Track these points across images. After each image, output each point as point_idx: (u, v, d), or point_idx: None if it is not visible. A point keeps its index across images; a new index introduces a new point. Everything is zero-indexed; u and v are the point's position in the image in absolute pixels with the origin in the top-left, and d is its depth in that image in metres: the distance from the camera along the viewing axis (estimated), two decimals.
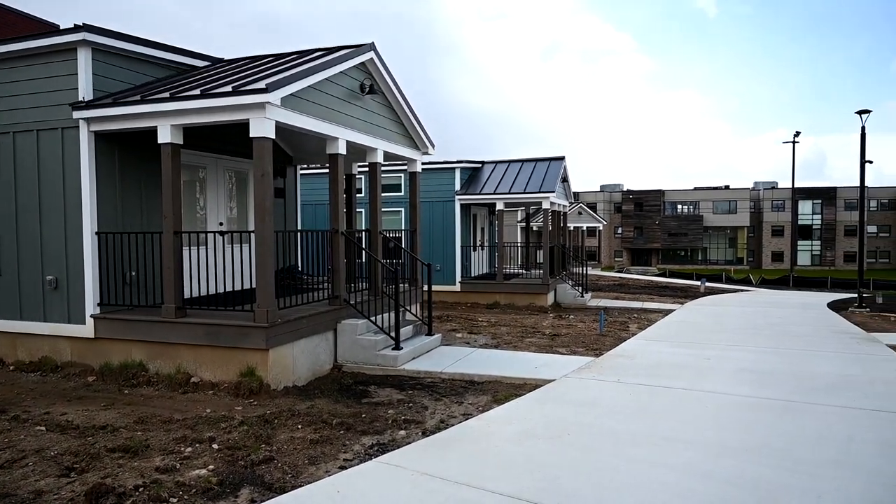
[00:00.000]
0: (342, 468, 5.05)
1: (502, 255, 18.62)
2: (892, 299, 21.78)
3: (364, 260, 10.49)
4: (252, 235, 7.70)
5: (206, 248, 8.34)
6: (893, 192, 71.92)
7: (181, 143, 7.86)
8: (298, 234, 10.75)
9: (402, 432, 6.03)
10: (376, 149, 10.08)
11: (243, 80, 7.81)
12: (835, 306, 17.99)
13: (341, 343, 8.96)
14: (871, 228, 70.78)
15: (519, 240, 33.32)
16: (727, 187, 75.23)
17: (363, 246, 10.38)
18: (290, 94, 7.57)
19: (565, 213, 22.86)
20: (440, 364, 8.90)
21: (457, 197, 18.17)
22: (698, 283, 27.67)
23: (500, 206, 18.19)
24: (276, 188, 9.31)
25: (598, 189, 79.25)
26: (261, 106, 7.17)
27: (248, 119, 7.27)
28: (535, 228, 33.22)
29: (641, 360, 9.25)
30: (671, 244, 73.86)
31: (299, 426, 6.14)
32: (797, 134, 39.06)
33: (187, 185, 9.75)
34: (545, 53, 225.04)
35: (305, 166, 16.74)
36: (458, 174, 18.33)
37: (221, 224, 10.45)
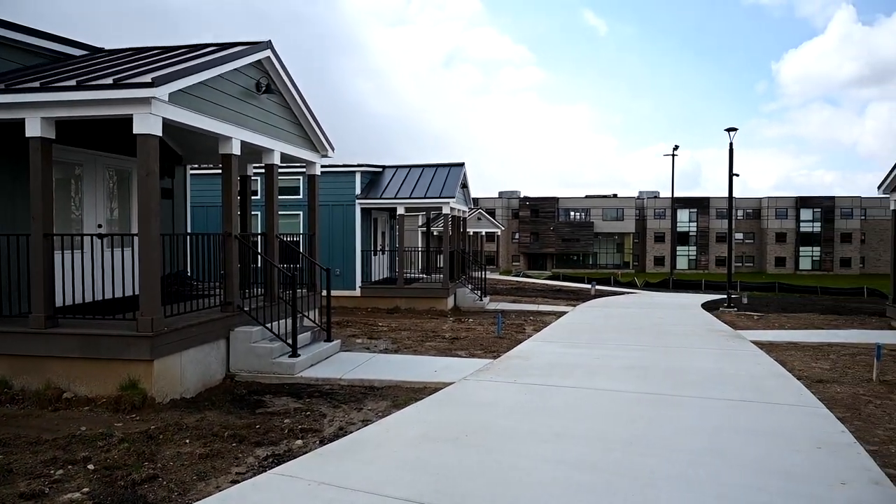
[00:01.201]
0: (234, 482, 4.84)
1: (403, 259, 18.66)
2: (755, 299, 24.07)
3: (260, 265, 10.12)
4: (136, 238, 7.20)
5: (84, 253, 7.70)
6: (756, 203, 79.55)
7: (53, 137, 7.21)
8: (188, 237, 10.19)
9: (299, 442, 5.88)
10: (273, 150, 9.78)
11: (127, 72, 7.31)
12: (708, 306, 19.59)
13: (235, 351, 8.59)
14: (738, 235, 77.83)
15: (420, 244, 33.53)
16: (615, 196, 79.92)
17: (259, 250, 10.01)
18: (180, 90, 7.17)
19: (465, 219, 23.29)
20: (339, 370, 8.76)
21: (357, 201, 18.00)
22: (589, 286, 29.15)
23: (401, 210, 18.23)
24: (163, 188, 8.77)
25: (497, 195, 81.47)
26: (146, 101, 6.73)
27: (132, 114, 6.80)
28: (435, 233, 33.56)
29: (536, 361, 9.60)
30: (565, 249, 77.33)
31: (187, 441, 5.81)
32: (676, 148, 42.29)
33: (61, 184, 8.96)
34: (447, 61, 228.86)
35: (197, 166, 15.92)
36: (358, 178, 18.18)
37: (101, 226, 9.69)
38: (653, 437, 5.94)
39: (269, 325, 8.80)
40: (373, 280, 18.87)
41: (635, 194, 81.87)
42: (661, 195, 79.45)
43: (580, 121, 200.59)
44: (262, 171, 10.31)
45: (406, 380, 8.30)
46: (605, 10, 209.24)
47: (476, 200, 68.45)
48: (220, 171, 9.00)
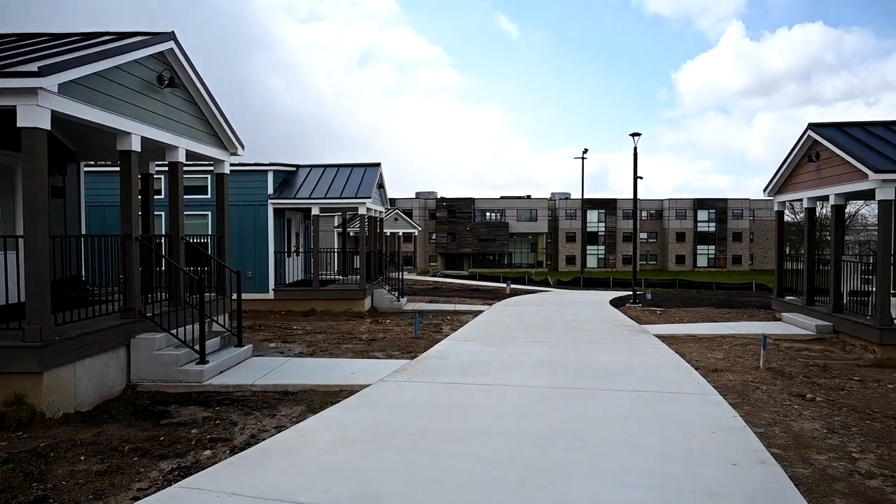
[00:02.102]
0: (135, 499, 4.55)
1: (318, 261, 18.30)
2: (658, 295, 25.48)
3: (164, 268, 9.59)
4: (21, 241, 6.63)
5: None
6: (659, 205, 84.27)
7: None
8: (83, 239, 9.49)
9: (208, 452, 5.62)
10: (177, 147, 9.30)
11: (10, 59, 6.71)
12: (615, 303, 20.55)
13: (137, 360, 8.09)
14: (643, 235, 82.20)
15: (336, 245, 33.01)
16: (529, 197, 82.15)
17: (162, 252, 9.49)
18: (72, 81, 6.67)
19: (382, 219, 23.16)
20: (251, 376, 8.46)
21: (270, 201, 17.47)
22: (505, 285, 29.79)
23: (315, 210, 17.86)
24: (53, 187, 8.13)
25: (414, 196, 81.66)
26: (32, 91, 6.21)
27: (15, 106, 6.26)
28: (352, 234, 33.15)
29: (453, 360, 9.69)
30: (481, 249, 78.66)
31: (82, 457, 5.41)
32: (585, 151, 44.09)
33: None
34: (362, 60, 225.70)
35: (93, 163, 14.87)
36: (271, 177, 17.63)
37: None
38: (565, 430, 6.15)
39: (174, 332, 8.36)
40: (287, 282, 18.38)
41: (548, 196, 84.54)
42: (572, 196, 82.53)
43: (495, 123, 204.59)
44: (167, 168, 9.79)
45: (322, 383, 8.14)
46: (517, 15, 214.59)
47: (393, 201, 68.30)
48: (118, 168, 8.45)
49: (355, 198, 17.54)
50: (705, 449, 5.56)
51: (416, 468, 5.08)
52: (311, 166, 19.55)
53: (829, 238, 14.58)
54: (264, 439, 5.90)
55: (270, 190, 17.56)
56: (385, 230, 33.85)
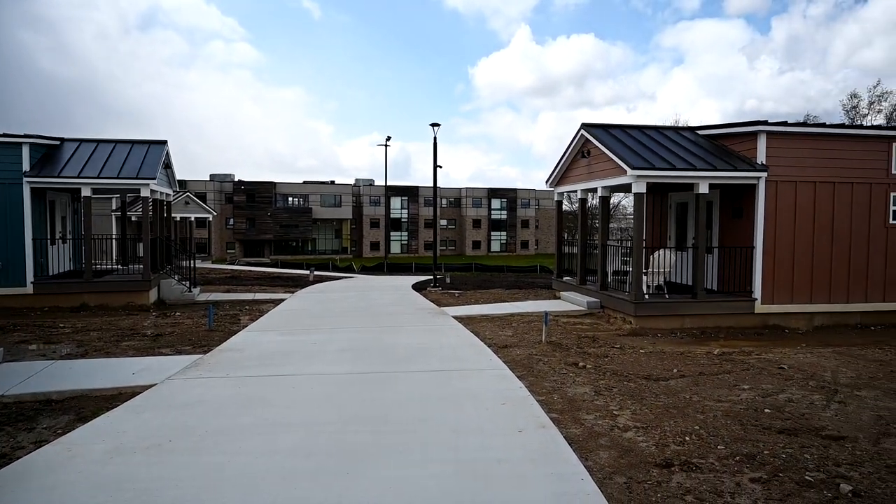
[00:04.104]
0: None
1: (91, 249, 16.09)
2: (456, 279, 26.95)
3: None
4: None
5: None
6: (457, 193, 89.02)
7: None
8: None
9: None
10: None
11: None
12: (417, 287, 21.27)
13: None
14: (443, 222, 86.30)
15: (114, 231, 29.41)
16: (333, 182, 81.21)
17: None
18: None
19: (170, 203, 21.12)
20: (1, 386, 7.17)
21: (26, 179, 14.88)
22: (308, 272, 29.16)
23: (87, 192, 15.63)
24: None
25: (209, 178, 75.91)
26: None
27: None
28: (134, 219, 29.80)
29: (252, 352, 9.23)
30: (283, 235, 75.95)
31: None
32: (388, 139, 44.80)
33: None
34: (143, 24, 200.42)
35: None
36: (26, 152, 15.00)
37: None
38: (367, 414, 6.20)
39: None
40: (51, 274, 15.89)
41: (352, 181, 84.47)
42: (376, 183, 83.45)
43: (296, 105, 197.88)
44: None
45: (95, 387, 7.19)
46: None
47: (184, 183, 62.82)
48: None
49: (136, 178, 15.70)
50: (496, 420, 6.01)
51: (208, 470, 4.74)
52: (81, 140, 17.06)
53: (598, 225, 16.63)
54: (20, 457, 5.05)
55: (26, 166, 14.96)
56: (174, 215, 31.06)
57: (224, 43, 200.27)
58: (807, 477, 4.88)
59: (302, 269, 35.70)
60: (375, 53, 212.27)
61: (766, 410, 6.68)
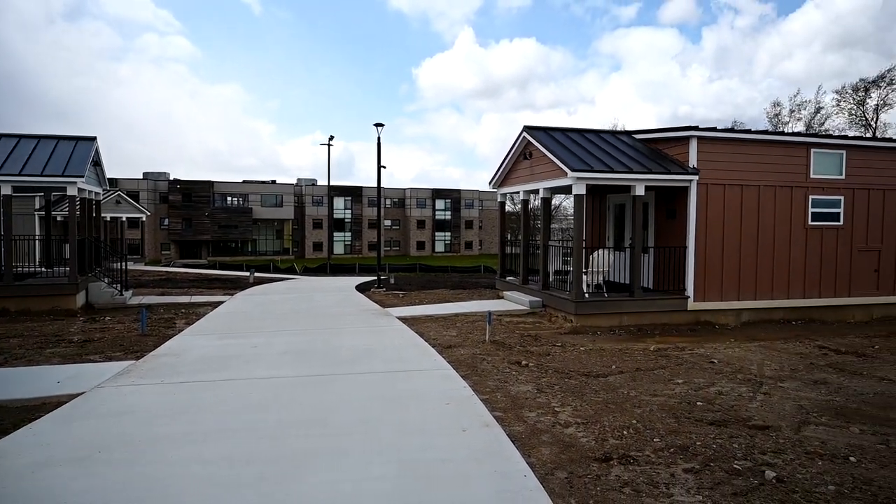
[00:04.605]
0: None
1: (11, 250, 15.16)
2: (401, 279, 26.87)
3: None
4: None
5: None
6: (401, 193, 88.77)
7: None
8: None
9: None
10: None
11: None
12: (361, 288, 21.08)
13: None
14: (387, 222, 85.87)
15: (38, 232, 27.81)
16: (274, 182, 79.41)
17: None
18: None
19: (99, 202, 20.15)
20: None
21: None
22: (248, 273, 28.42)
23: (6, 190, 14.72)
24: None
25: (142, 177, 72.82)
26: None
27: None
28: (59, 219, 28.27)
29: (188, 357, 8.92)
30: (222, 236, 73.71)
31: None
32: (331, 138, 44.19)
33: None
34: (70, 14, 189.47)
35: None
36: None
37: None
38: (309, 418, 6.10)
39: None
40: None
41: (294, 181, 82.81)
42: (319, 183, 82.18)
43: (235, 102, 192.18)
44: None
45: (16, 397, 6.78)
46: None
47: (115, 182, 60.10)
48: None
49: (63, 176, 14.90)
50: (440, 420, 6.03)
51: (142, 482, 4.55)
52: (1, 135, 16.07)
53: (540, 226, 16.93)
54: None
55: None
56: (105, 215, 29.70)
57: (158, 36, 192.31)
58: (735, 465, 5.12)
59: (242, 270, 34.80)
60: (318, 51, 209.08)
61: (699, 403, 6.97)
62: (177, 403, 6.56)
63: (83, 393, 6.91)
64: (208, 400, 6.72)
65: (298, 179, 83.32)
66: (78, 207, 15.65)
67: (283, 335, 10.87)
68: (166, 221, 71.69)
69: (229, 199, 75.49)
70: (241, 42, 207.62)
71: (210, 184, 73.93)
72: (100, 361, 8.86)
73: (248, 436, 5.55)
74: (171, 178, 74.34)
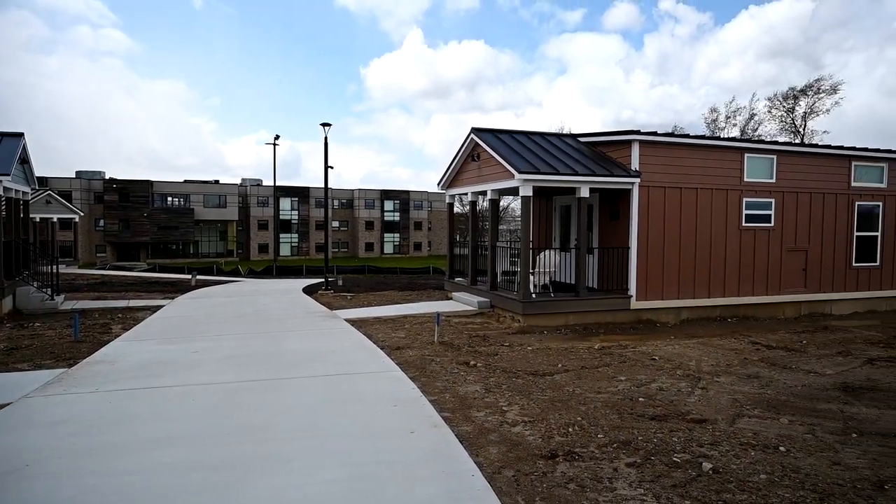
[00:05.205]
0: None
1: None
2: (349, 281, 26.61)
3: None
4: None
5: None
6: (350, 194, 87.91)
7: None
8: None
9: None
10: None
11: None
12: (308, 290, 20.75)
13: None
14: (335, 223, 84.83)
15: None
16: (217, 182, 77.26)
17: None
18: None
19: (27, 202, 19.11)
20: None
21: None
22: (189, 276, 27.55)
23: None
24: None
25: (75, 176, 69.52)
26: None
27: None
28: None
29: (125, 363, 8.57)
30: (162, 237, 71.17)
31: None
32: (277, 137, 43.31)
33: None
34: None
35: None
36: None
37: None
38: (253, 424, 5.97)
39: None
40: None
41: (238, 181, 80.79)
42: (265, 183, 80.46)
43: (175, 99, 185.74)
44: None
45: None
46: None
47: (45, 180, 57.23)
48: None
49: None
50: (388, 422, 6.00)
51: (77, 495, 4.34)
52: None
53: (488, 227, 17.09)
54: None
55: None
56: (33, 215, 28.23)
57: (91, 28, 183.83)
58: (675, 458, 5.31)
59: (183, 273, 33.73)
60: (262, 49, 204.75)
61: (640, 399, 7.19)
62: (114, 412, 6.30)
63: (10, 403, 6.55)
64: (147, 408, 6.48)
65: (243, 179, 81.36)
66: (4, 207, 14.80)
67: (227, 339, 10.59)
68: (102, 222, 68.70)
69: (170, 199, 73.00)
70: (181, 37, 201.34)
71: (149, 183, 71.30)
72: (28, 370, 8.40)
73: (191, 443, 5.37)
74: (107, 177, 71.34)
